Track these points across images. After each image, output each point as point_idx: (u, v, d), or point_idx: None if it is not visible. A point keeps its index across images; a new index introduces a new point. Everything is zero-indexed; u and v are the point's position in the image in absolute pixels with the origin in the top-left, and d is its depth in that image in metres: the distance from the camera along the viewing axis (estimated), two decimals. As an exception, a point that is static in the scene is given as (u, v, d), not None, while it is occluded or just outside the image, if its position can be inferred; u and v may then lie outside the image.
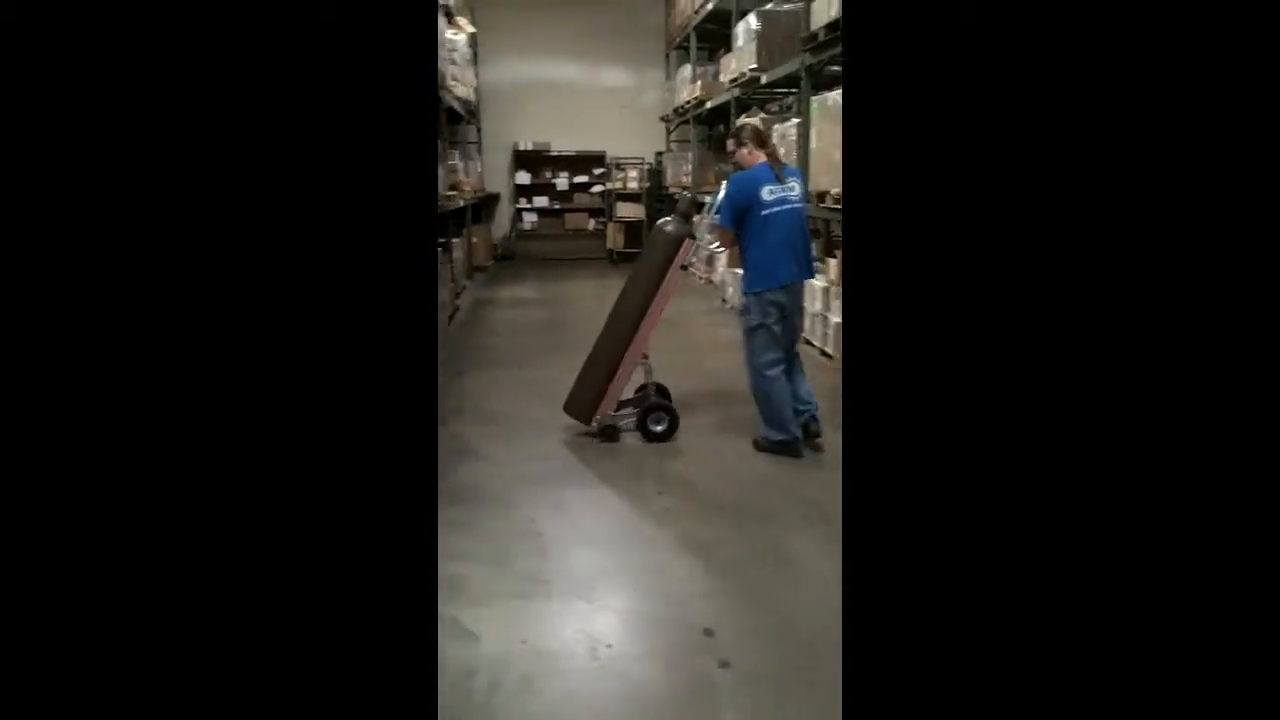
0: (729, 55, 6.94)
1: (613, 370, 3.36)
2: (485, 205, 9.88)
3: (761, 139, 3.25)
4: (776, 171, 3.16)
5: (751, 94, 6.68)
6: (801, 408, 3.24)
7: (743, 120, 3.41)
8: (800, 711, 1.72)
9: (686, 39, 8.87)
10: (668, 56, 10.29)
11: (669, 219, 3.49)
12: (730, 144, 3.39)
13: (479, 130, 9.81)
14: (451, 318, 6.15)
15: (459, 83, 7.27)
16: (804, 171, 4.63)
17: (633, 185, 10.13)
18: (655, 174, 10.12)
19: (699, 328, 5.81)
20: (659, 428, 3.41)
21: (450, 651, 1.94)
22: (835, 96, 4.56)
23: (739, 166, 3.30)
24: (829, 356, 4.67)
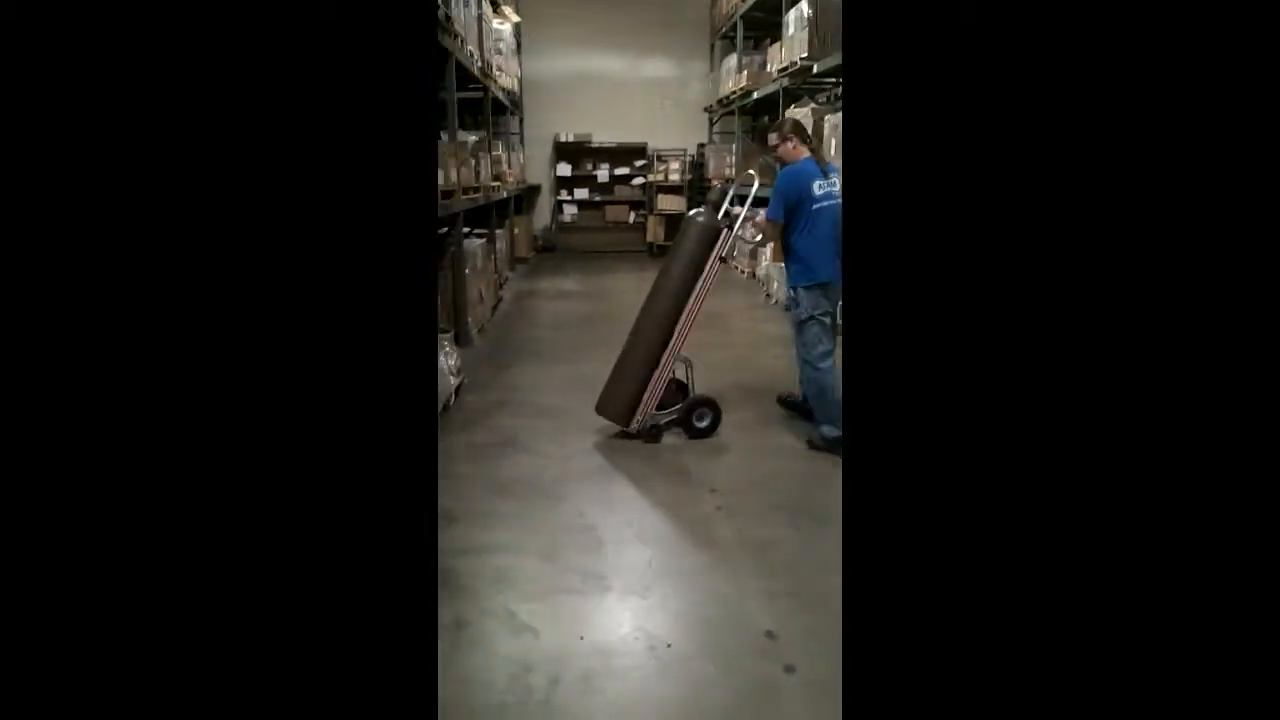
0: (777, 44, 6.82)
1: (651, 369, 3.23)
2: (526, 197, 9.90)
3: (804, 134, 3.26)
4: (821, 167, 3.16)
5: (801, 84, 6.56)
6: None
7: (791, 111, 3.36)
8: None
9: (733, 28, 8.75)
10: (712, 47, 10.19)
11: (700, 210, 3.40)
12: (773, 137, 3.34)
13: (521, 121, 9.82)
14: (495, 309, 6.16)
15: (504, 73, 7.27)
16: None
17: (674, 177, 10.07)
18: (697, 166, 10.03)
19: (742, 323, 5.74)
20: (703, 424, 3.34)
21: (508, 645, 1.92)
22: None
23: (781, 160, 3.30)
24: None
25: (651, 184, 10.19)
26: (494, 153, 6.50)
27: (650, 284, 3.42)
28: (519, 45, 8.98)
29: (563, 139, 10.28)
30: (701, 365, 3.50)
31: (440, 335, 4.00)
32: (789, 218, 3.16)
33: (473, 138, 5.74)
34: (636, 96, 10.32)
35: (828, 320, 3.14)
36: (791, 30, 6.23)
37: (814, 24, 5.73)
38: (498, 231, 6.88)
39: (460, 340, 4.61)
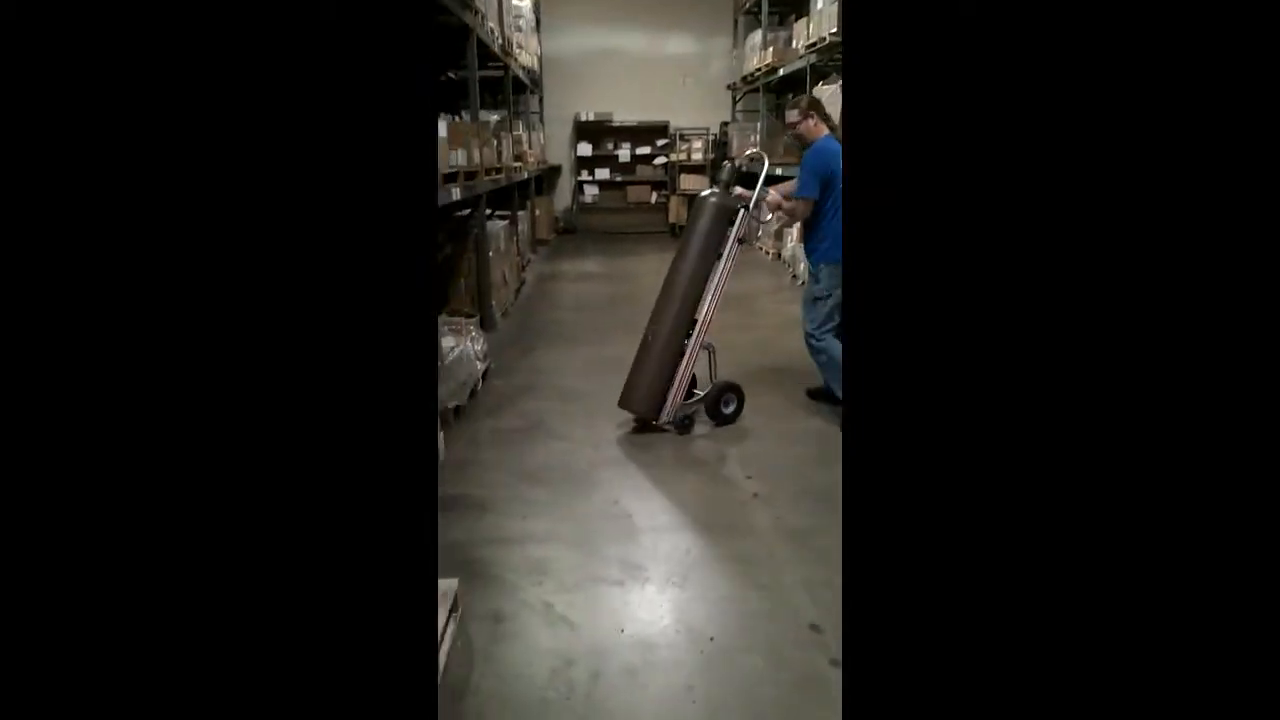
0: (804, 20, 6.65)
1: (677, 359, 3.09)
2: (547, 177, 9.80)
3: (823, 111, 3.20)
4: (842, 144, 3.10)
5: (829, 61, 6.40)
6: None
7: (819, 88, 3.29)
8: None
9: (757, 3, 8.57)
10: (736, 22, 9.98)
11: (713, 190, 3.27)
12: (793, 114, 3.26)
13: (541, 100, 9.70)
14: (518, 292, 6.11)
15: (524, 50, 7.17)
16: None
17: (697, 157, 9.92)
18: (720, 145, 9.88)
19: (767, 305, 5.64)
20: (729, 410, 3.26)
21: (546, 638, 1.88)
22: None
23: (801, 138, 3.24)
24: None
25: (674, 163, 10.05)
26: (514, 132, 6.42)
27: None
28: (538, 22, 8.85)
29: (583, 118, 10.15)
30: (725, 348, 3.41)
31: (465, 320, 3.95)
32: (820, 195, 3.11)
33: (494, 117, 5.66)
34: (658, 74, 10.16)
35: (840, 301, 3.13)
36: (820, 4, 6.07)
37: (844, -4, 5.57)
38: (520, 214, 6.81)
39: (485, 324, 4.57)
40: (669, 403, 3.11)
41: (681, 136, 10.09)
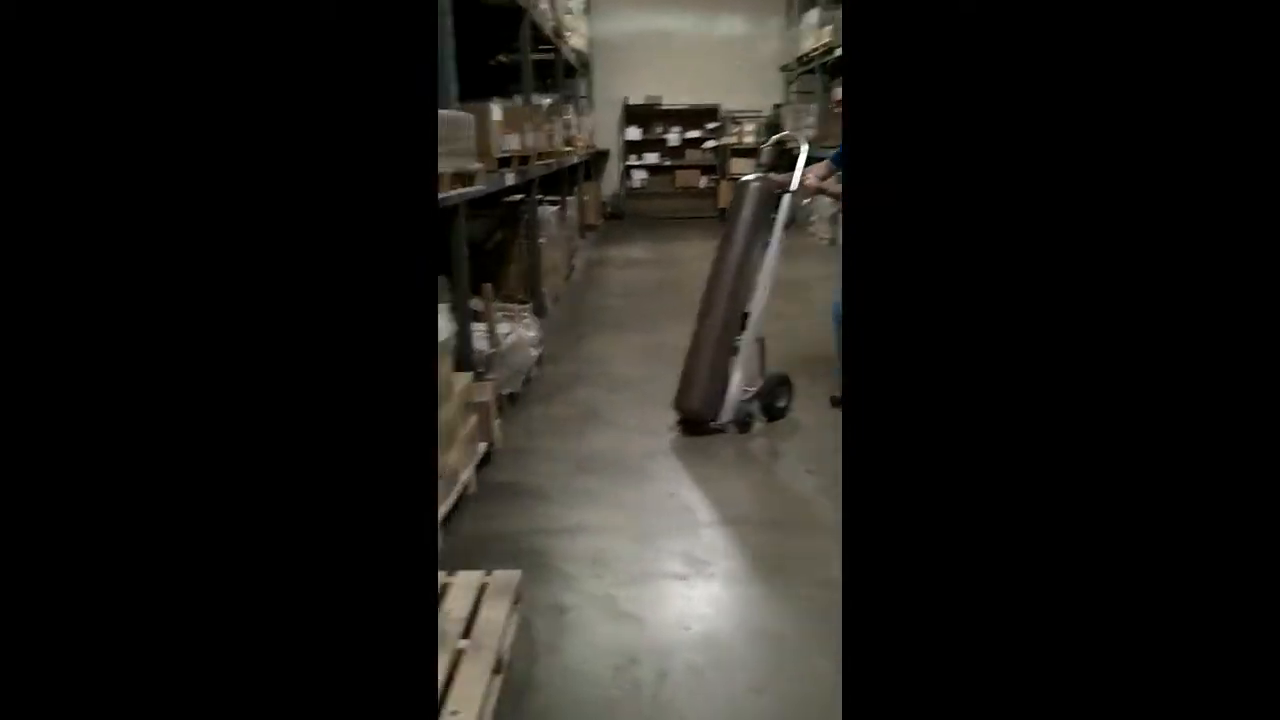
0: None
1: (731, 355, 2.95)
2: (595, 162, 9.74)
3: None
4: None
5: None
6: None
7: None
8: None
9: (812, -19, 8.34)
10: (790, 1, 9.75)
11: (755, 175, 3.10)
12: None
13: (590, 84, 9.62)
14: (567, 278, 6.08)
15: (574, 33, 7.10)
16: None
17: (748, 140, 9.75)
18: (773, 128, 9.68)
19: (821, 293, 5.49)
20: (782, 404, 3.15)
21: (610, 633, 1.84)
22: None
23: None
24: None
25: (724, 147, 9.89)
26: (564, 117, 6.36)
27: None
28: (588, 4, 8.76)
29: (632, 101, 10.05)
30: (773, 337, 3.27)
31: (519, 306, 3.93)
32: None
33: (547, 101, 5.61)
34: (709, 56, 9.98)
35: None
36: (880, -21, 5.85)
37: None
38: (568, 199, 6.76)
39: (537, 311, 4.54)
40: (728, 401, 2.97)
41: (733, 120, 9.93)
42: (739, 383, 2.98)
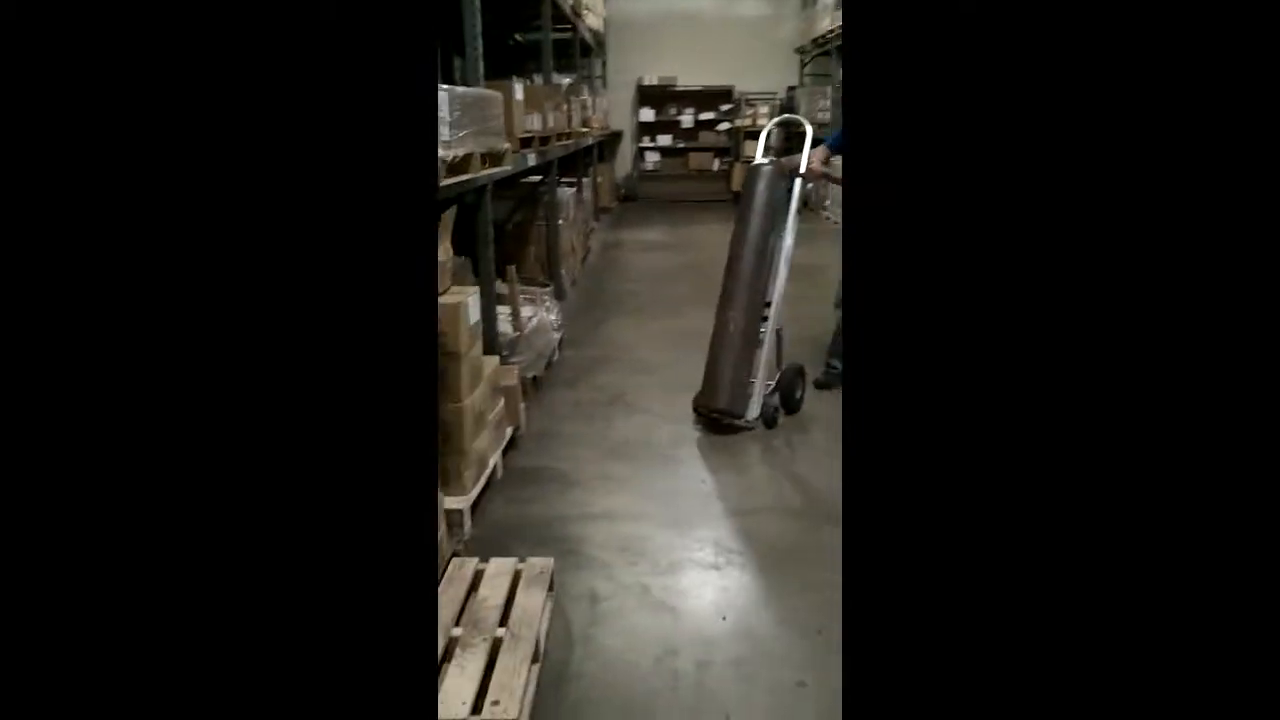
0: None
1: (755, 347, 2.84)
2: (608, 144, 9.65)
3: None
4: None
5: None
6: None
7: None
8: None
9: (830, -39, 8.18)
10: (806, -18, 9.60)
11: (764, 160, 3.00)
12: None
13: (604, 64, 9.51)
14: (584, 260, 6.03)
15: (590, 12, 7.00)
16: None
17: (762, 122, 9.63)
18: (786, 110, 9.57)
19: (833, 277, 5.43)
20: (800, 393, 3.07)
21: (646, 622, 1.82)
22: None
23: None
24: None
25: (738, 129, 9.78)
26: (580, 97, 6.28)
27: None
28: (604, -17, 8.63)
29: (646, 82, 9.93)
30: (787, 324, 3.11)
31: (540, 289, 3.89)
32: None
33: (566, 80, 5.54)
34: (724, 37, 9.84)
35: None
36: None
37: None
38: (584, 180, 6.70)
39: (556, 294, 4.50)
40: (755, 396, 2.88)
41: (747, 101, 9.81)
42: (764, 378, 2.90)
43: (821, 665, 1.67)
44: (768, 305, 2.90)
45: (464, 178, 2.37)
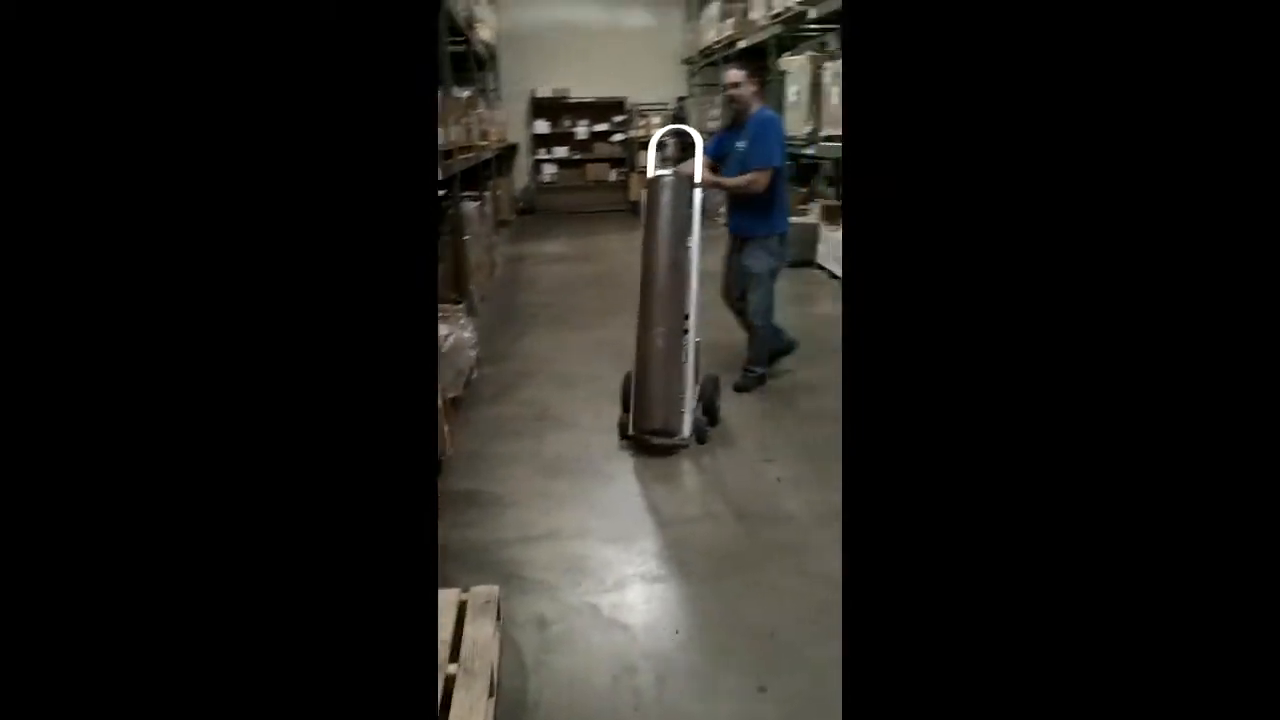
0: (768, -10, 6.54)
1: (682, 363, 2.80)
2: (505, 157, 9.52)
3: (764, 79, 3.35)
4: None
5: (796, 31, 6.32)
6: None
7: (786, 59, 3.33)
8: None
9: (714, -25, 8.41)
10: (690, -5, 9.82)
11: (666, 172, 3.02)
12: (735, 74, 3.19)
13: (497, 77, 9.39)
14: (491, 275, 5.91)
15: (483, 24, 6.90)
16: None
17: (655, 132, 9.77)
18: (678, 120, 9.73)
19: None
20: (719, 403, 3.04)
21: (599, 643, 1.79)
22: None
23: (739, 101, 3.21)
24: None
25: (633, 140, 9.87)
26: (477, 110, 6.16)
27: (640, 243, 3.03)
28: (493, -5, 8.53)
29: (540, 94, 9.88)
30: (701, 329, 3.02)
31: (452, 307, 3.78)
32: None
33: (465, 93, 5.42)
34: (615, 48, 9.92)
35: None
36: (787, -27, 5.96)
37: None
38: (485, 194, 6.57)
39: (468, 310, 4.39)
40: (687, 412, 2.81)
41: (639, 112, 9.92)
42: (693, 394, 2.87)
43: (779, 669, 1.69)
44: (686, 318, 2.88)
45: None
